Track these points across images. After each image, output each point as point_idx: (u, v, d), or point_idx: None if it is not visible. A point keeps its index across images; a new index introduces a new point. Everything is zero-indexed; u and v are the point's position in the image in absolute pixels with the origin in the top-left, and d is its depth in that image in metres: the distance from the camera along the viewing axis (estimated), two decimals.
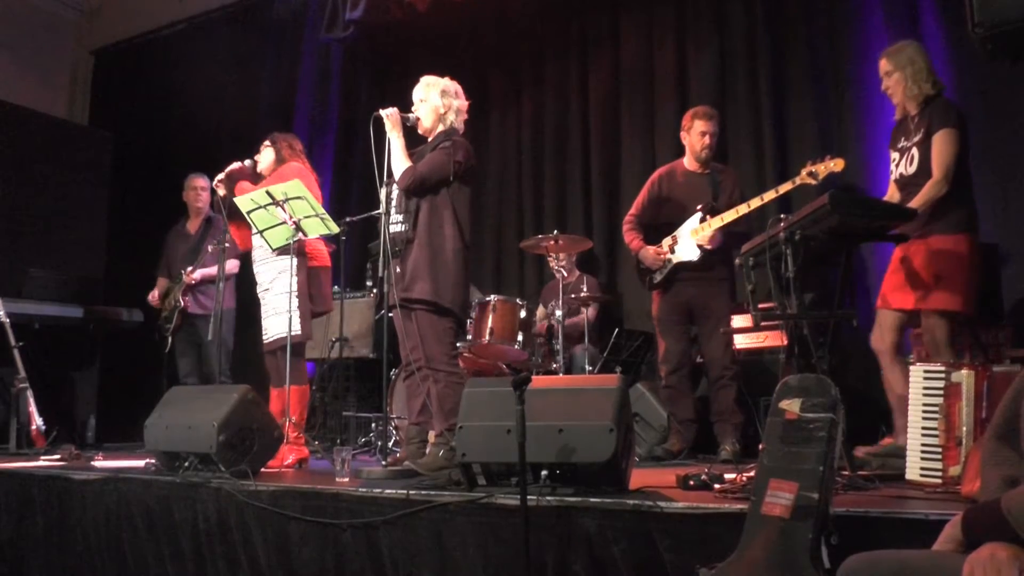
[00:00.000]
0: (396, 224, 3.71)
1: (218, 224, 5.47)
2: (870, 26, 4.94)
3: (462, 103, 3.83)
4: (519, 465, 2.42)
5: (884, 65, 3.62)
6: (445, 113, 3.77)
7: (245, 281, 5.07)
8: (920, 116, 3.52)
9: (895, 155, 3.63)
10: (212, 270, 5.24)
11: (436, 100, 3.77)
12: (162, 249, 5.88)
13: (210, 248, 5.20)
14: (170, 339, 5.57)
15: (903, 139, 3.59)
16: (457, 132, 3.79)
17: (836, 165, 3.91)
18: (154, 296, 5.70)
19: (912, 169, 3.49)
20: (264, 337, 4.39)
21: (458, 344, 3.91)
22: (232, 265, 5.29)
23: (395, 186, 3.75)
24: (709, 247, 4.24)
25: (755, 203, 4.14)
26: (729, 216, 4.20)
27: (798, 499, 2.01)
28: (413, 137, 3.87)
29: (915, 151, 3.50)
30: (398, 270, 3.66)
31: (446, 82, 3.82)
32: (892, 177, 3.64)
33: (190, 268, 5.45)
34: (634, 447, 3.08)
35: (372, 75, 7.04)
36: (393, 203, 3.74)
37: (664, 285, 4.41)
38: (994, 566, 1.37)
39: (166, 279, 5.74)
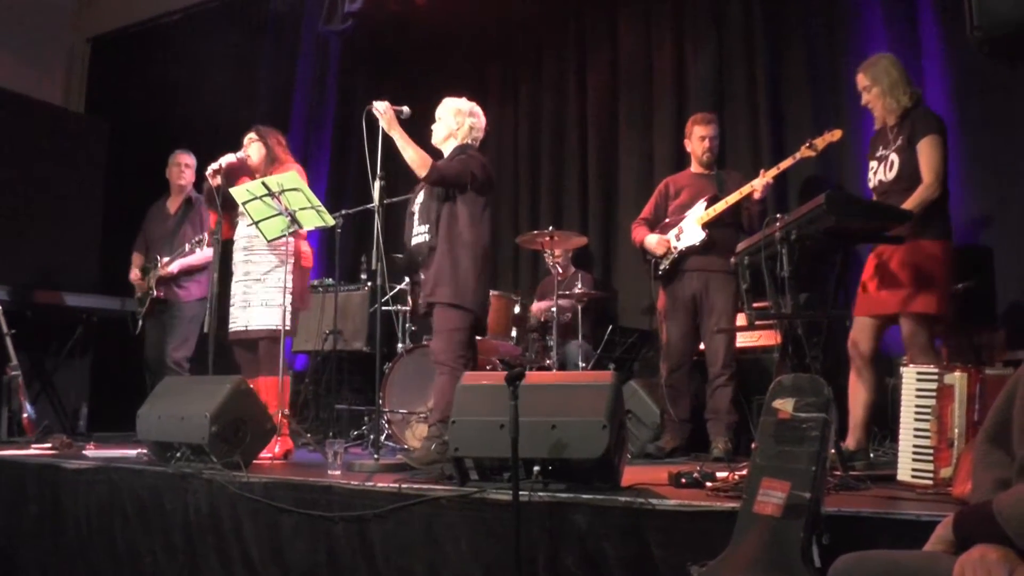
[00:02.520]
0: (420, 235, 3.82)
1: (199, 208, 5.38)
2: (869, 26, 4.93)
3: (476, 121, 3.97)
4: (512, 460, 2.42)
5: (861, 80, 3.64)
6: (457, 130, 3.93)
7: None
8: (899, 125, 3.54)
9: (873, 164, 3.65)
10: (188, 260, 5.18)
11: (450, 119, 3.94)
12: (141, 224, 5.72)
13: (187, 243, 5.09)
14: (140, 322, 5.53)
15: (881, 148, 3.61)
16: (472, 147, 3.93)
17: (833, 136, 3.95)
18: (136, 275, 5.52)
19: (891, 175, 3.51)
20: (243, 326, 4.37)
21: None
22: (209, 255, 5.16)
23: (419, 195, 3.89)
24: (757, 196, 4.24)
25: (758, 182, 4.20)
26: (733, 197, 4.27)
27: (790, 498, 2.02)
28: (415, 134, 3.89)
29: (894, 157, 3.51)
30: (422, 277, 3.80)
31: (462, 102, 3.97)
32: (870, 185, 3.66)
33: (167, 259, 5.23)
34: (627, 444, 3.09)
35: (370, 70, 7.02)
36: (416, 214, 3.87)
37: (670, 278, 4.42)
38: (984, 567, 1.38)
39: (142, 256, 5.58)
